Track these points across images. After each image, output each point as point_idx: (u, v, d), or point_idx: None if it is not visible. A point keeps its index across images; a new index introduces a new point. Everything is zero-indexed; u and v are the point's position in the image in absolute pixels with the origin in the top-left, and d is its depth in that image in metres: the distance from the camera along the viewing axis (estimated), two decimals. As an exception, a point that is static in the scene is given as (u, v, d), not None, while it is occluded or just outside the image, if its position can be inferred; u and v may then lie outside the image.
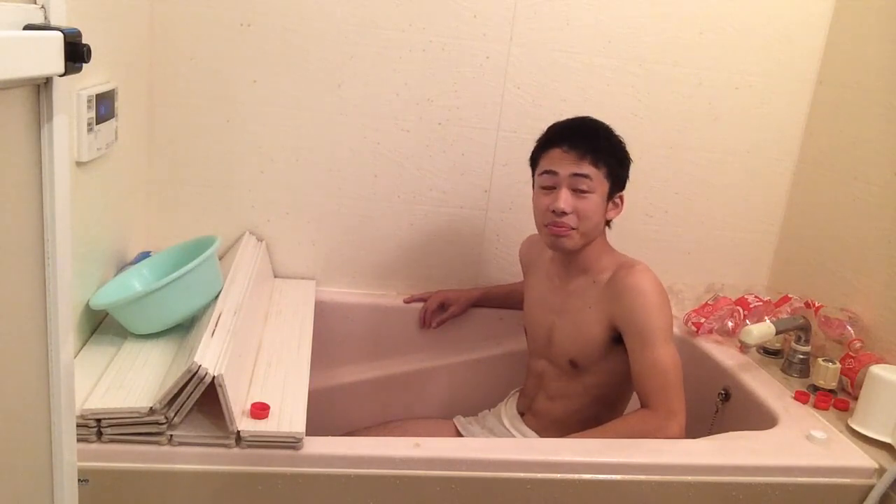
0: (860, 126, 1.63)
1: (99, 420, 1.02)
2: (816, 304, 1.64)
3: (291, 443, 1.06)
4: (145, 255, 1.48)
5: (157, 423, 1.02)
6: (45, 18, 0.67)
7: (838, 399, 1.42)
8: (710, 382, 1.58)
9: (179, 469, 1.04)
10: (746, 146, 1.80)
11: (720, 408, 1.55)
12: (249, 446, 1.05)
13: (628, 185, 1.40)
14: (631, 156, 1.39)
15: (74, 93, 1.14)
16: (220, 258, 1.58)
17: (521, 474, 1.13)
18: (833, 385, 1.45)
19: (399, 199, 1.72)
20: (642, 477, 1.15)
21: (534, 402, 1.47)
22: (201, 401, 1.04)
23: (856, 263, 1.60)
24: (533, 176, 1.41)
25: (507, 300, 1.74)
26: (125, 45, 1.40)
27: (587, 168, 1.31)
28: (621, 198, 1.38)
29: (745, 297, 1.74)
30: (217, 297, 1.29)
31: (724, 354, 1.61)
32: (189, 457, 1.04)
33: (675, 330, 1.39)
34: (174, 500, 1.05)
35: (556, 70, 1.68)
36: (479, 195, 1.75)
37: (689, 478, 1.16)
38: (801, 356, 1.55)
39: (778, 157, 1.82)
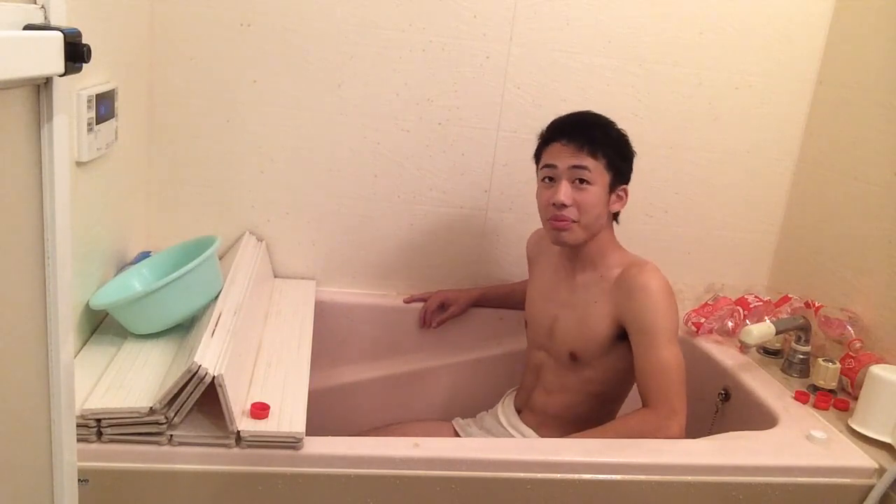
0: (860, 126, 1.63)
1: (99, 420, 1.02)
2: (816, 304, 1.64)
3: (291, 443, 1.06)
4: (145, 255, 1.48)
5: (157, 423, 1.02)
6: (45, 18, 0.67)
7: (838, 399, 1.42)
8: (710, 382, 1.58)
9: (179, 469, 1.04)
10: (746, 146, 1.80)
11: (720, 408, 1.55)
12: (249, 446, 1.05)
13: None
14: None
15: (74, 93, 1.14)
16: (220, 258, 1.58)
17: (521, 474, 1.13)
18: (833, 385, 1.45)
19: (399, 199, 1.72)
20: (642, 477, 1.15)
21: (531, 396, 1.47)
22: (201, 401, 1.04)
23: (856, 263, 1.60)
24: (537, 172, 1.41)
25: (507, 300, 1.74)
26: (125, 45, 1.40)
27: (585, 159, 1.32)
28: (625, 190, 1.38)
29: (745, 297, 1.74)
30: (217, 297, 1.29)
31: (724, 354, 1.62)
32: (189, 457, 1.04)
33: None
34: (174, 500, 1.05)
35: (556, 70, 1.68)
36: (479, 195, 1.75)
37: (689, 478, 1.16)
38: (801, 356, 1.55)
39: (778, 157, 1.82)
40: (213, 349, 1.08)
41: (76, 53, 0.68)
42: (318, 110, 1.63)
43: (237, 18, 1.55)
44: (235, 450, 1.05)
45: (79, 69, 0.69)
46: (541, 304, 1.48)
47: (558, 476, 1.13)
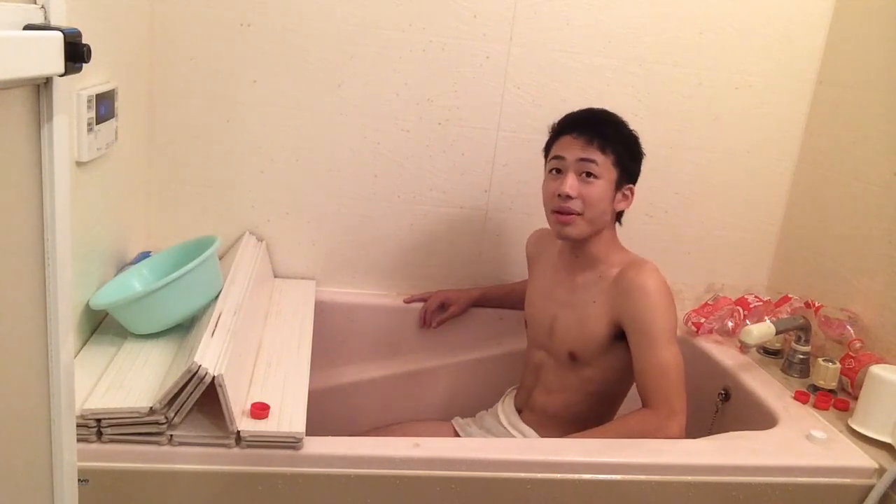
0: (860, 126, 1.63)
1: (99, 420, 1.02)
2: (816, 304, 1.64)
3: (291, 443, 1.06)
4: (145, 255, 1.48)
5: (157, 423, 1.02)
6: (45, 18, 0.67)
7: (838, 399, 1.42)
8: (710, 382, 1.58)
9: (179, 469, 1.04)
10: (746, 146, 1.80)
11: (720, 408, 1.55)
12: (249, 446, 1.05)
13: (628, 184, 1.40)
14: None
15: (74, 93, 1.14)
16: (220, 258, 1.58)
17: (521, 474, 1.13)
18: (833, 385, 1.45)
19: (399, 199, 1.72)
20: (642, 477, 1.15)
21: (531, 395, 1.47)
22: (201, 401, 1.04)
23: (856, 263, 1.60)
24: (545, 166, 1.42)
25: (507, 300, 1.74)
26: (125, 45, 1.40)
27: (594, 153, 1.32)
28: (631, 190, 1.39)
29: (745, 297, 1.74)
30: (217, 297, 1.29)
31: (724, 354, 1.62)
32: (189, 457, 1.04)
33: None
34: (174, 500, 1.05)
35: (556, 70, 1.68)
36: (479, 195, 1.75)
37: (689, 478, 1.17)
38: (801, 356, 1.55)
39: (778, 157, 1.82)
40: (213, 349, 1.08)
41: (76, 53, 0.68)
42: (318, 110, 1.63)
43: (237, 18, 1.55)
44: (235, 450, 1.05)
45: (79, 69, 0.69)
46: (540, 304, 1.48)
47: (558, 476, 1.13)
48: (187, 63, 1.56)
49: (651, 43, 1.69)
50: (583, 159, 1.33)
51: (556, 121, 1.42)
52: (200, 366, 1.01)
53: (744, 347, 1.63)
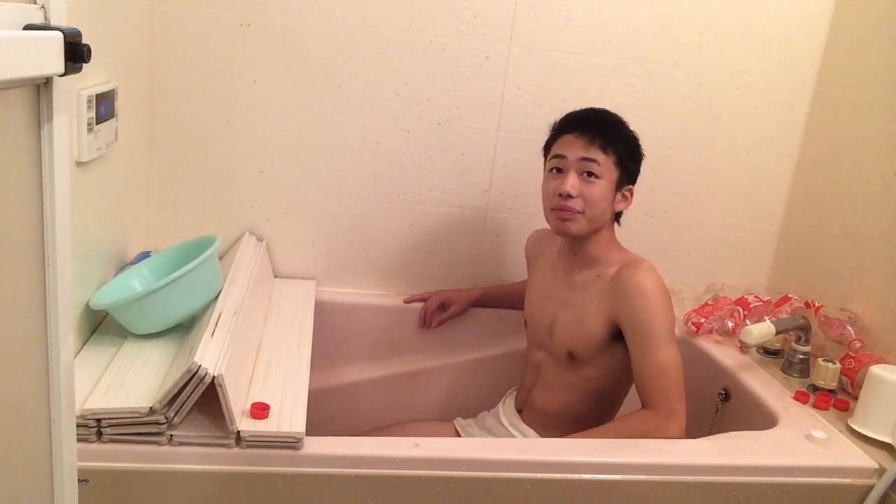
0: (860, 126, 1.63)
1: (99, 420, 1.01)
2: (816, 304, 1.64)
3: (291, 443, 1.06)
4: (145, 255, 1.48)
5: (157, 423, 1.02)
6: (45, 18, 0.67)
7: (838, 399, 1.42)
8: (710, 382, 1.58)
9: (179, 469, 1.04)
10: (746, 146, 1.80)
11: (720, 408, 1.55)
12: (249, 446, 1.05)
13: (628, 184, 1.40)
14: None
15: (74, 93, 1.14)
16: (220, 258, 1.58)
17: (521, 474, 1.13)
18: (833, 385, 1.45)
19: (399, 199, 1.72)
20: (642, 477, 1.15)
21: (530, 395, 1.47)
22: (201, 401, 1.04)
23: (856, 263, 1.60)
24: (544, 164, 1.42)
25: (507, 300, 1.74)
26: (125, 45, 1.40)
27: (596, 153, 1.32)
28: (631, 191, 1.39)
29: (745, 297, 1.74)
30: (217, 297, 1.29)
31: (724, 354, 1.62)
32: (189, 457, 1.04)
33: (676, 330, 1.39)
34: (174, 500, 1.05)
35: (556, 70, 1.68)
36: (479, 195, 1.75)
37: (689, 478, 1.16)
38: (801, 356, 1.55)
39: (778, 157, 1.82)
40: (213, 349, 1.08)
41: (76, 53, 0.68)
42: (318, 110, 1.63)
43: (237, 18, 1.55)
44: (235, 450, 1.05)
45: (79, 69, 0.69)
46: (540, 304, 1.48)
47: (558, 476, 1.13)
48: (187, 63, 1.56)
49: (651, 43, 1.69)
50: (584, 159, 1.33)
51: (557, 120, 1.42)
52: (200, 366, 1.01)
53: (744, 347, 1.63)
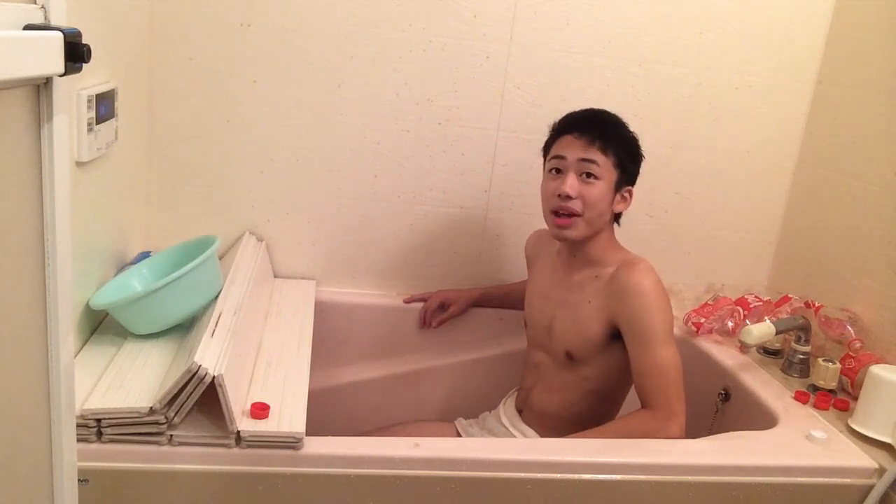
0: (860, 126, 1.63)
1: (99, 420, 1.01)
2: (816, 304, 1.64)
3: (291, 443, 1.06)
4: (145, 255, 1.48)
5: (157, 423, 1.02)
6: (45, 18, 0.67)
7: (838, 399, 1.42)
8: (710, 382, 1.58)
9: (179, 469, 1.04)
10: (746, 146, 1.80)
11: (720, 408, 1.55)
12: (249, 446, 1.05)
13: (628, 184, 1.40)
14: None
15: (74, 93, 1.14)
16: (220, 258, 1.58)
17: (521, 474, 1.13)
18: (833, 385, 1.45)
19: (399, 199, 1.72)
20: (642, 477, 1.15)
21: (530, 395, 1.47)
22: (201, 401, 1.04)
23: (856, 263, 1.60)
24: (544, 164, 1.42)
25: (506, 300, 1.74)
26: (125, 45, 1.40)
27: (595, 154, 1.32)
28: (630, 192, 1.39)
29: (745, 297, 1.74)
30: (217, 297, 1.29)
31: (724, 354, 1.62)
32: (189, 457, 1.04)
33: (675, 330, 1.39)
34: (174, 500, 1.05)
35: (556, 70, 1.68)
36: (479, 195, 1.75)
37: (689, 478, 1.16)
38: (801, 356, 1.55)
39: (778, 157, 1.82)
40: (213, 349, 1.08)
41: (76, 53, 0.68)
42: (318, 110, 1.63)
43: (237, 18, 1.55)
44: (235, 450, 1.05)
45: (79, 69, 0.69)
46: (539, 304, 1.48)
47: (558, 476, 1.13)
48: (187, 63, 1.56)
49: (651, 43, 1.69)
50: (584, 159, 1.33)
51: (557, 120, 1.42)
52: (200, 366, 1.01)
53: (744, 347, 1.63)
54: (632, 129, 1.40)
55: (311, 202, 1.69)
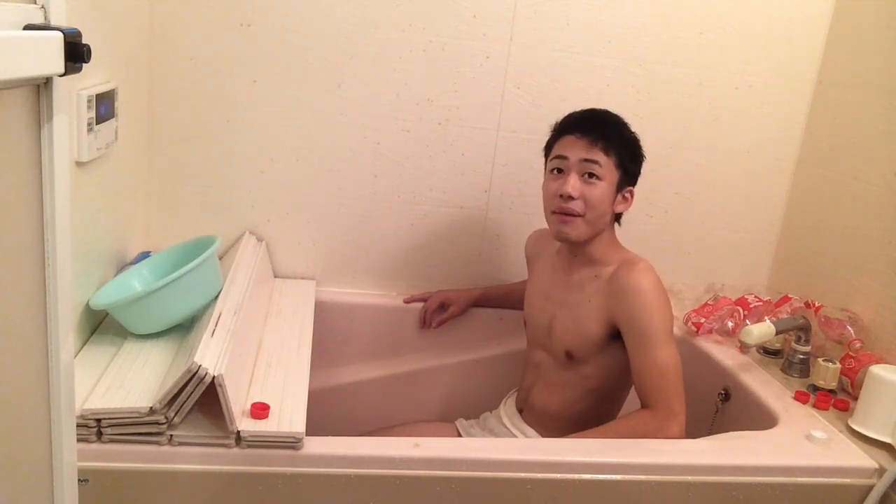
0: (860, 126, 1.63)
1: (99, 420, 1.01)
2: (816, 304, 1.64)
3: (291, 443, 1.06)
4: (145, 255, 1.48)
5: (157, 423, 1.02)
6: (45, 18, 0.67)
7: (838, 399, 1.42)
8: (710, 382, 1.58)
9: (179, 469, 1.04)
10: (746, 146, 1.80)
11: (720, 408, 1.55)
12: (249, 446, 1.05)
13: (629, 184, 1.40)
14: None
15: (74, 93, 1.14)
16: (220, 258, 1.58)
17: (521, 474, 1.13)
18: (833, 385, 1.45)
19: (399, 199, 1.72)
20: (642, 477, 1.15)
21: (530, 394, 1.47)
22: (201, 401, 1.04)
23: (856, 263, 1.60)
24: (545, 164, 1.41)
25: (506, 300, 1.74)
26: (125, 45, 1.40)
27: (597, 154, 1.32)
28: (631, 192, 1.39)
29: (745, 297, 1.74)
30: (217, 297, 1.29)
31: (724, 354, 1.62)
32: (189, 457, 1.04)
33: (675, 330, 1.39)
34: (174, 500, 1.05)
35: (556, 70, 1.68)
36: (479, 195, 1.75)
37: (689, 478, 1.16)
38: (801, 356, 1.55)
39: (778, 157, 1.82)
40: (213, 349, 1.08)
41: (76, 53, 0.68)
42: (318, 110, 1.63)
43: (237, 18, 1.55)
44: (235, 450, 1.05)
45: (79, 69, 0.69)
46: (539, 304, 1.48)
47: (558, 476, 1.13)
48: (187, 63, 1.56)
49: (651, 43, 1.69)
50: (586, 160, 1.33)
51: (559, 120, 1.42)
52: (200, 366, 1.01)
53: (744, 347, 1.63)
54: (633, 129, 1.40)
55: (311, 202, 1.69)
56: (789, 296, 1.71)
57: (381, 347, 1.75)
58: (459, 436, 1.53)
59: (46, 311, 0.74)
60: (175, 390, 1.02)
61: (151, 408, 1.02)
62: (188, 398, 1.02)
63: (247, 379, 1.19)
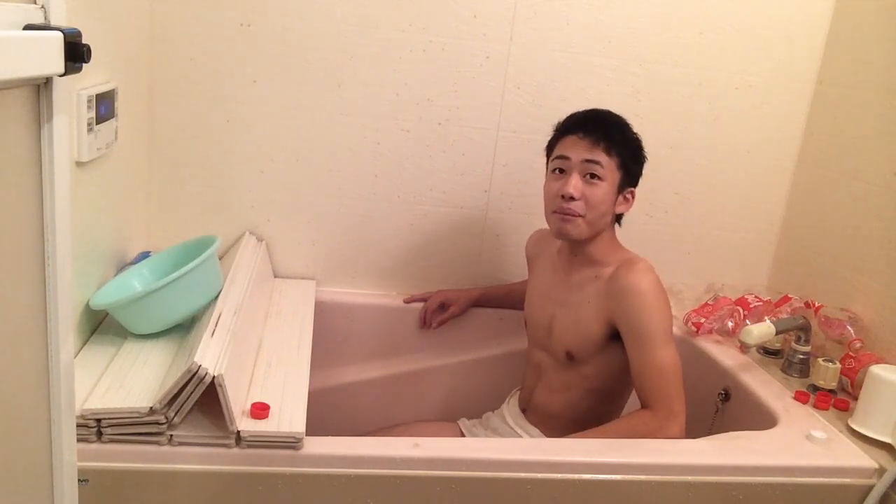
0: (860, 126, 1.63)
1: (99, 420, 1.02)
2: (816, 304, 1.64)
3: (291, 443, 1.06)
4: (145, 255, 1.48)
5: (157, 423, 1.02)
6: (45, 18, 0.67)
7: (838, 399, 1.42)
8: (710, 382, 1.58)
9: (179, 469, 1.04)
10: (746, 146, 1.80)
11: (720, 408, 1.55)
12: (249, 446, 1.05)
13: (629, 184, 1.39)
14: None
15: (74, 93, 1.14)
16: (220, 258, 1.58)
17: (522, 474, 1.13)
18: (833, 385, 1.45)
19: (399, 199, 1.72)
20: (642, 477, 1.15)
21: (532, 395, 1.47)
22: (201, 401, 1.04)
23: (856, 263, 1.60)
24: (547, 164, 1.41)
25: (507, 300, 1.74)
26: (125, 45, 1.40)
27: (599, 155, 1.32)
28: (632, 193, 1.39)
29: (745, 297, 1.74)
30: (217, 297, 1.29)
31: (724, 354, 1.61)
32: (189, 457, 1.04)
33: (675, 330, 1.39)
34: (174, 500, 1.05)
35: (556, 70, 1.68)
36: (479, 195, 1.75)
37: (689, 478, 1.16)
38: (801, 356, 1.55)
39: (778, 157, 1.82)
40: (213, 349, 1.08)
41: (76, 53, 0.68)
42: (318, 110, 1.63)
43: (237, 18, 1.55)
44: (235, 450, 1.05)
45: (79, 69, 0.69)
46: (539, 304, 1.48)
47: (559, 476, 1.13)
48: (187, 63, 1.56)
49: (651, 43, 1.69)
50: (588, 160, 1.32)
51: (561, 120, 1.42)
52: (200, 366, 1.01)
53: (744, 347, 1.63)
54: (635, 130, 1.40)
55: (311, 202, 1.69)
56: (789, 296, 1.71)
57: (381, 347, 1.75)
58: (462, 436, 1.53)
59: (46, 311, 0.74)
60: (175, 390, 1.02)
61: (151, 408, 1.02)
62: (188, 398, 1.02)
63: (247, 379, 1.19)
